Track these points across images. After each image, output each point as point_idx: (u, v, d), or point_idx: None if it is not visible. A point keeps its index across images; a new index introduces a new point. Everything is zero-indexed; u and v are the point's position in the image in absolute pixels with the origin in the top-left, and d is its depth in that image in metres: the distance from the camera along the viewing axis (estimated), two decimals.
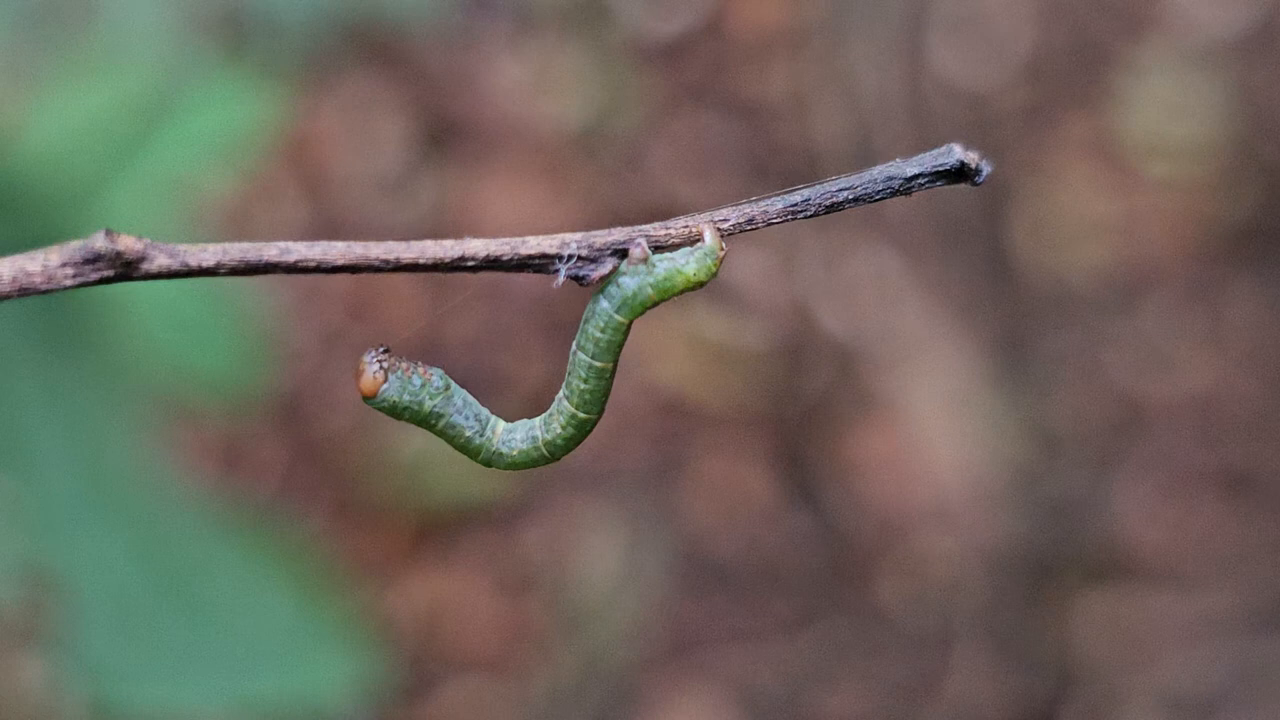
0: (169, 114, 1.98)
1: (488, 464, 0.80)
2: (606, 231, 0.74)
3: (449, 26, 2.85)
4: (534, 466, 0.80)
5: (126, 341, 1.95)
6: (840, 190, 0.74)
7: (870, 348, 2.80)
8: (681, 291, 0.75)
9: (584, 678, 2.59)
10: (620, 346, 0.77)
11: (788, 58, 2.96)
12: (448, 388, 0.79)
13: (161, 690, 1.88)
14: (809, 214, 0.74)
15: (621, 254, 0.75)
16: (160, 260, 0.70)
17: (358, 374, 0.77)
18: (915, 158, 0.74)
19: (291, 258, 0.71)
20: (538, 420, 0.79)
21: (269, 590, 1.96)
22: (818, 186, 0.74)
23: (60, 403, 1.88)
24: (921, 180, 0.74)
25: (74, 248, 0.70)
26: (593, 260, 0.74)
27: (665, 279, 0.75)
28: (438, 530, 2.66)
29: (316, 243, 0.71)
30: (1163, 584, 2.67)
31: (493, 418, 0.80)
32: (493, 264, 0.73)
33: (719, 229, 0.75)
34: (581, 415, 0.78)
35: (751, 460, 2.73)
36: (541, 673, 2.60)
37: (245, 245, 0.71)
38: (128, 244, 0.70)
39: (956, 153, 0.74)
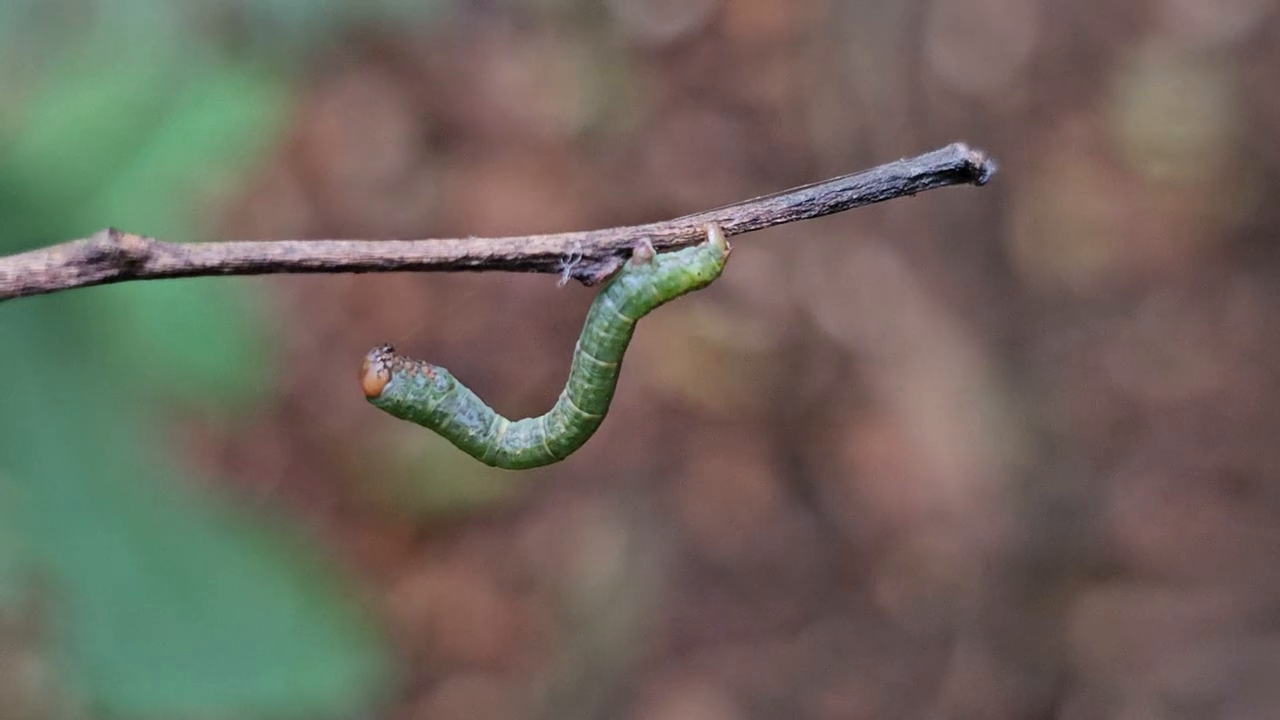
0: (169, 114, 1.98)
1: (491, 463, 0.80)
2: (611, 231, 0.74)
3: (449, 26, 2.85)
4: (538, 466, 0.80)
5: (127, 341, 1.95)
6: (844, 190, 0.74)
7: (870, 348, 2.80)
8: (686, 291, 0.75)
9: (584, 678, 2.59)
10: (624, 346, 0.77)
11: (788, 58, 2.96)
12: (451, 387, 0.78)
13: (161, 690, 1.88)
14: (813, 213, 0.74)
15: (626, 253, 0.75)
16: (164, 259, 0.70)
17: (361, 373, 0.77)
18: (920, 157, 0.74)
19: (296, 257, 0.71)
20: (541, 419, 0.79)
21: (269, 590, 1.96)
22: (822, 186, 0.74)
23: (60, 403, 1.88)
24: (926, 180, 0.74)
25: (78, 247, 0.70)
26: (597, 260, 0.74)
27: (670, 278, 0.75)
28: (438, 531, 2.66)
29: (321, 242, 0.71)
30: (1163, 584, 2.67)
31: (496, 417, 0.80)
32: (497, 263, 0.72)
33: (723, 228, 0.75)
34: (585, 415, 0.78)
35: (751, 461, 2.73)
36: (541, 673, 2.60)
37: (249, 244, 0.71)
38: (132, 243, 0.69)
39: (961, 152, 0.74)
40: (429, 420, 0.78)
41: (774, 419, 2.76)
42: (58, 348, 1.88)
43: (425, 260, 0.71)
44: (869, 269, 2.83)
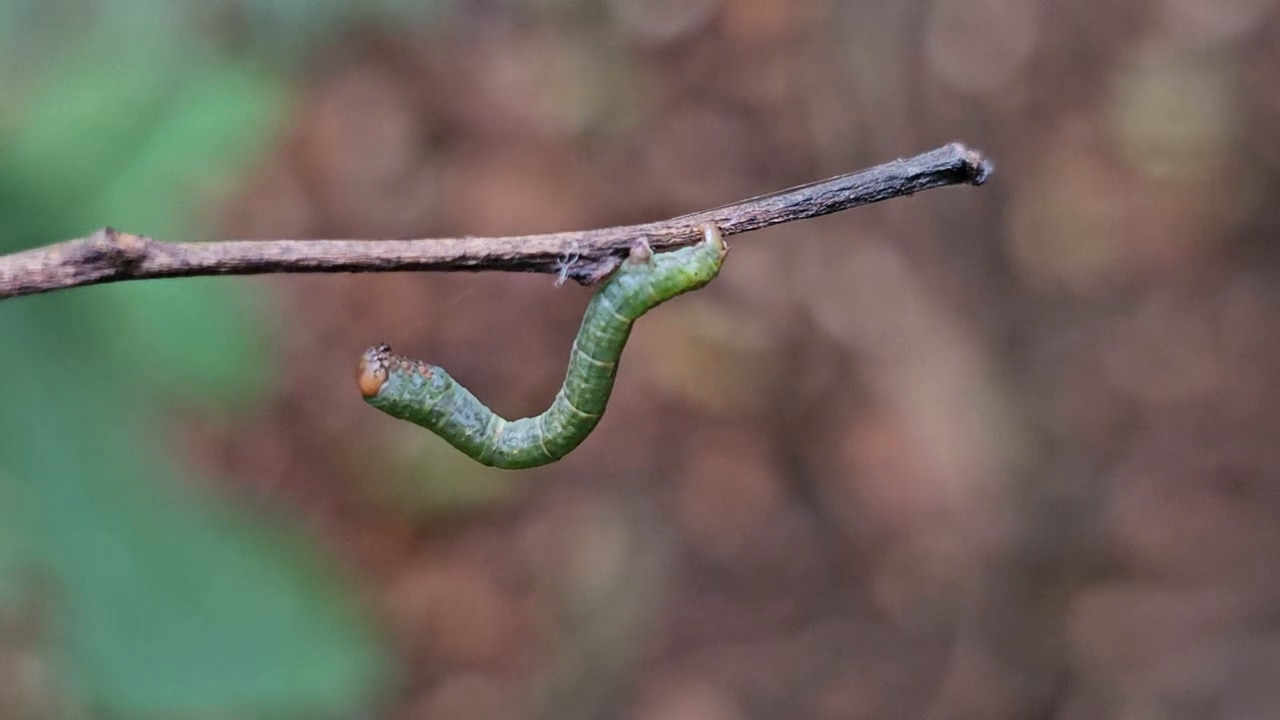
0: (169, 113, 1.98)
1: (488, 463, 0.80)
2: (608, 231, 0.74)
3: (449, 26, 2.85)
4: (535, 465, 0.80)
5: (127, 340, 1.95)
6: (842, 190, 0.74)
7: (870, 348, 2.80)
8: (683, 291, 0.75)
9: (584, 677, 2.59)
10: (621, 346, 0.77)
11: (788, 58, 2.96)
12: (448, 386, 0.78)
13: (161, 690, 1.88)
14: (810, 213, 0.74)
15: (623, 253, 0.75)
16: (161, 259, 0.70)
17: (358, 372, 0.77)
18: (917, 157, 0.74)
19: (293, 256, 0.71)
20: (538, 419, 0.79)
21: (269, 590, 1.96)
22: (819, 186, 0.74)
23: (60, 401, 1.88)
24: (923, 180, 0.74)
25: (75, 246, 0.70)
26: (594, 259, 0.74)
27: (667, 278, 0.75)
28: (437, 530, 2.66)
29: (318, 241, 0.71)
30: (1162, 584, 2.67)
31: (493, 416, 0.80)
32: (494, 263, 0.72)
33: (720, 228, 0.75)
34: (582, 414, 0.78)
35: (751, 460, 2.73)
36: (541, 672, 2.60)
37: (246, 244, 0.71)
38: (129, 242, 0.69)
39: (958, 152, 0.74)
40: (425, 420, 0.78)
41: (774, 418, 2.76)
42: (57, 346, 1.89)
43: (422, 260, 0.71)
44: (869, 268, 2.83)
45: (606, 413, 0.79)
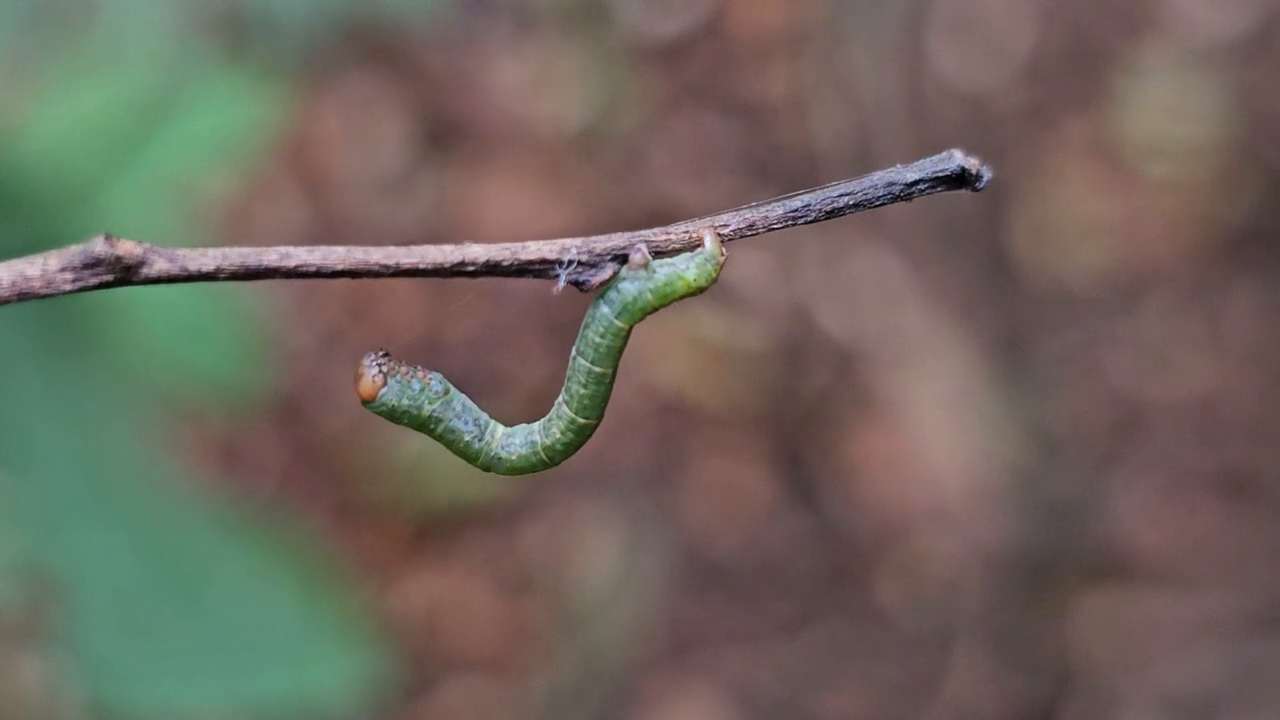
0: (169, 114, 1.98)
1: (487, 469, 0.80)
2: (606, 237, 0.74)
3: (449, 26, 2.85)
4: (533, 471, 0.80)
5: (127, 341, 1.95)
6: (841, 196, 0.74)
7: (870, 348, 2.80)
8: (682, 297, 0.75)
9: (583, 677, 2.59)
10: (620, 352, 0.77)
11: (788, 58, 2.96)
12: (447, 392, 0.78)
13: (161, 689, 1.88)
14: (809, 219, 0.74)
15: (621, 259, 0.75)
16: (159, 265, 0.70)
17: (356, 378, 0.77)
18: (916, 163, 0.74)
19: (291, 263, 0.71)
20: (537, 425, 0.79)
21: (269, 590, 1.96)
22: (818, 192, 0.74)
23: (60, 402, 1.88)
24: (922, 186, 0.74)
25: (73, 252, 0.70)
26: (593, 265, 0.74)
27: (665, 284, 0.75)
28: (437, 530, 2.66)
29: (316, 248, 0.71)
30: (1162, 585, 2.67)
31: (492, 422, 0.80)
32: (492, 269, 0.73)
33: (719, 234, 0.75)
34: (581, 420, 0.78)
35: (751, 461, 2.73)
36: (541, 672, 2.60)
37: (245, 250, 0.71)
38: (127, 249, 0.70)
39: (957, 158, 0.74)
40: (424, 425, 0.78)
41: (774, 419, 2.76)
42: (58, 346, 1.89)
43: (421, 266, 0.72)
44: (869, 269, 2.83)
45: (606, 415, 0.79)
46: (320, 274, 0.71)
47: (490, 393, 2.68)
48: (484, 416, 0.79)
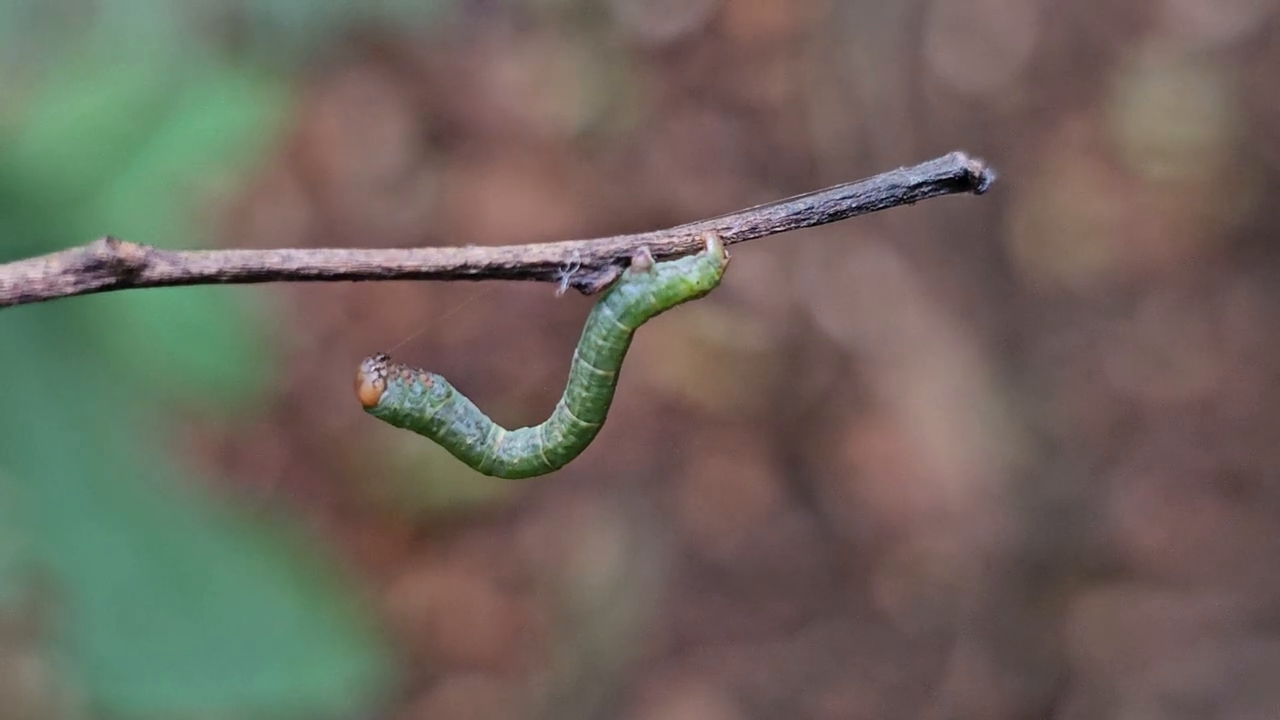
0: (169, 114, 1.98)
1: (488, 472, 0.79)
2: (609, 240, 0.74)
3: (449, 26, 2.85)
4: (534, 475, 0.79)
5: (127, 341, 1.95)
6: (844, 198, 0.74)
7: (870, 349, 2.80)
8: (685, 300, 0.75)
9: (583, 678, 2.59)
10: (622, 355, 0.77)
11: (788, 58, 2.96)
12: (449, 395, 0.78)
13: (161, 689, 1.88)
14: (812, 222, 0.74)
15: (624, 262, 0.75)
16: (162, 267, 0.70)
17: (357, 383, 0.77)
18: (919, 166, 0.74)
19: (293, 265, 0.71)
20: (538, 428, 0.79)
21: (269, 590, 1.96)
22: (821, 195, 0.74)
23: (61, 401, 1.88)
24: (925, 189, 0.74)
25: (75, 255, 0.70)
26: (595, 268, 0.74)
27: (668, 287, 0.75)
28: (437, 530, 2.66)
29: (318, 250, 0.71)
30: (1162, 585, 2.67)
31: (493, 425, 0.80)
32: (495, 272, 0.72)
33: (722, 237, 0.75)
34: (583, 423, 0.78)
35: (751, 461, 2.73)
36: (540, 672, 2.60)
37: (247, 253, 0.71)
38: (129, 251, 0.70)
39: (960, 161, 0.74)
40: (426, 428, 0.78)
41: (773, 419, 2.76)
42: (58, 347, 1.89)
43: (423, 269, 0.72)
44: (869, 269, 2.83)
45: (605, 422, 0.79)
46: (322, 277, 0.71)
47: (490, 393, 2.68)
48: (485, 420, 0.79)
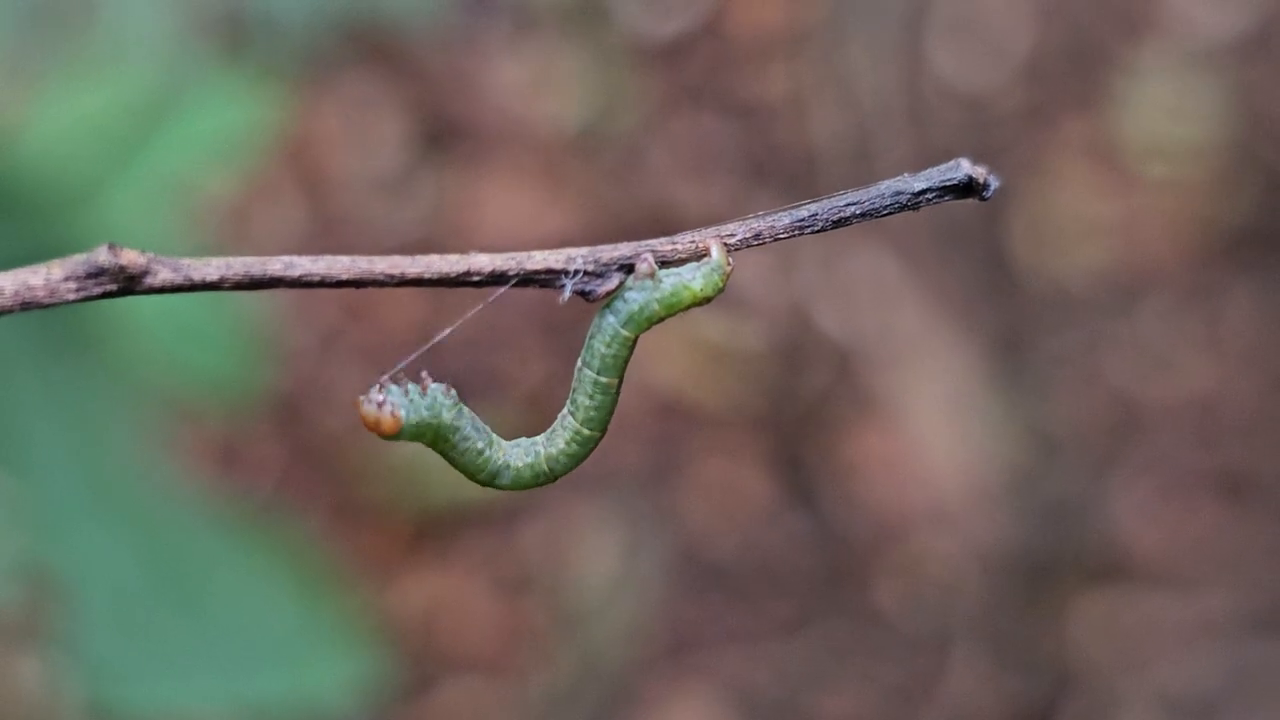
0: (168, 115, 1.98)
1: (489, 481, 0.79)
2: (612, 247, 0.73)
3: (448, 26, 2.85)
4: (534, 485, 0.79)
5: (126, 341, 1.95)
6: (848, 205, 0.74)
7: (868, 349, 2.80)
8: (689, 307, 0.75)
9: (582, 678, 2.59)
10: (626, 362, 0.77)
11: (787, 58, 2.96)
12: (456, 402, 0.77)
13: (160, 689, 1.88)
14: (816, 229, 0.74)
15: (628, 269, 0.75)
16: (164, 275, 0.70)
17: (373, 423, 0.75)
18: (923, 173, 0.74)
19: (296, 272, 0.71)
20: (540, 437, 0.79)
21: (268, 590, 1.96)
22: (825, 201, 0.74)
23: (60, 402, 1.88)
24: (929, 195, 0.74)
25: (77, 261, 0.70)
26: (599, 275, 0.74)
27: (672, 294, 0.75)
28: (436, 530, 2.66)
29: (321, 257, 0.71)
30: (1161, 585, 2.67)
31: (494, 435, 0.79)
32: (498, 279, 0.72)
33: (725, 244, 0.75)
34: (586, 432, 0.77)
35: (749, 461, 2.73)
36: (539, 673, 2.60)
37: (249, 260, 0.70)
38: (131, 258, 0.69)
39: (964, 167, 0.73)
40: (446, 435, 0.77)
41: (772, 419, 2.76)
42: (58, 347, 1.88)
43: (426, 276, 0.71)
44: (867, 269, 2.83)
45: (607, 432, 0.78)
46: (325, 284, 0.70)
47: (489, 394, 2.68)
48: (486, 428, 0.79)
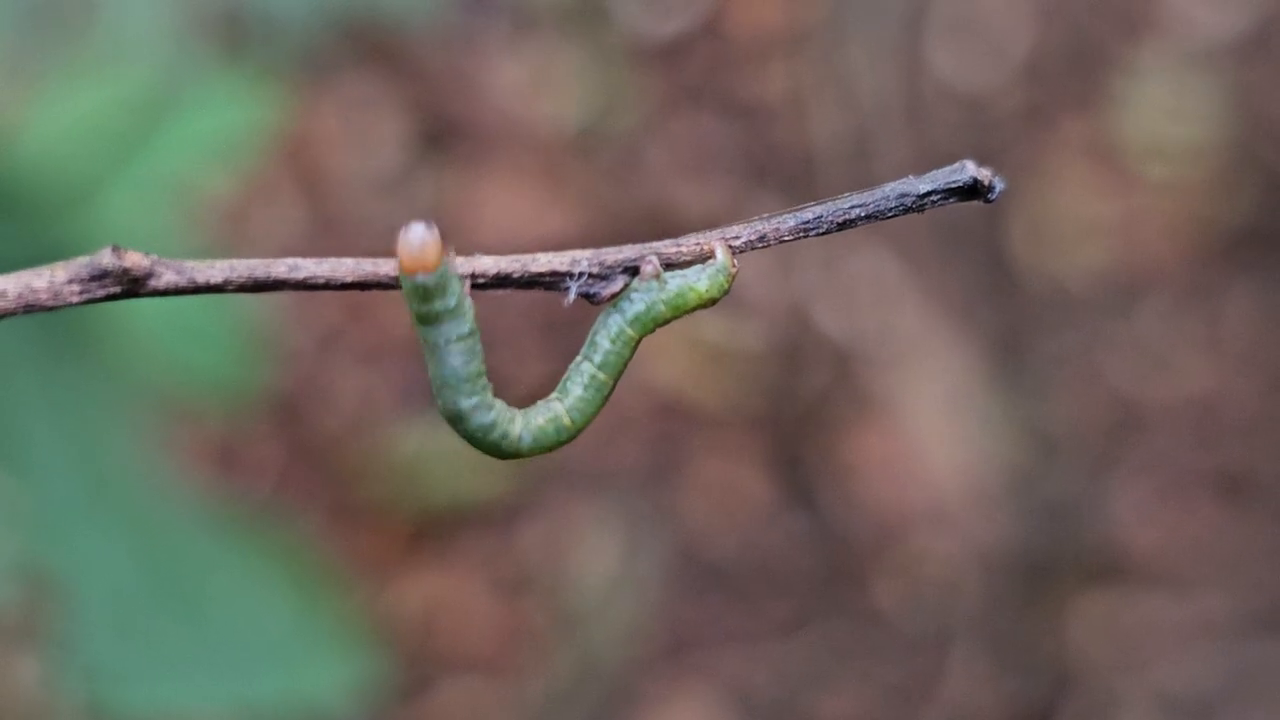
0: (168, 114, 1.98)
1: (457, 418, 0.74)
2: (617, 249, 0.73)
3: (448, 26, 2.85)
4: (494, 456, 0.76)
5: (125, 341, 1.95)
6: (852, 207, 0.74)
7: (868, 349, 2.80)
8: (694, 309, 0.75)
9: (580, 678, 2.59)
10: (625, 363, 0.76)
11: (786, 58, 2.96)
12: (474, 330, 0.73)
13: (159, 691, 1.88)
14: (821, 231, 0.74)
15: (633, 271, 0.75)
16: (167, 277, 0.70)
17: (419, 245, 0.69)
18: (928, 175, 0.74)
19: (300, 275, 0.70)
20: (518, 411, 0.76)
21: (266, 590, 1.96)
22: (829, 204, 0.74)
23: (58, 402, 1.88)
24: (934, 197, 0.74)
25: (80, 264, 0.69)
26: (603, 278, 0.74)
27: (677, 296, 0.75)
28: (435, 530, 2.65)
29: (325, 260, 0.71)
30: (1160, 586, 2.67)
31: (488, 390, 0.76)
32: (503, 282, 0.72)
33: (731, 246, 0.75)
34: (565, 420, 0.76)
35: (749, 461, 2.73)
36: (538, 673, 2.60)
37: (253, 262, 0.70)
38: (135, 261, 0.69)
39: (969, 170, 0.73)
40: (439, 320, 0.71)
41: (772, 419, 2.76)
42: (56, 347, 1.88)
43: None
44: (867, 269, 2.83)
45: (603, 413, 0.78)
46: (329, 286, 0.70)
47: None
48: (484, 378, 0.75)
